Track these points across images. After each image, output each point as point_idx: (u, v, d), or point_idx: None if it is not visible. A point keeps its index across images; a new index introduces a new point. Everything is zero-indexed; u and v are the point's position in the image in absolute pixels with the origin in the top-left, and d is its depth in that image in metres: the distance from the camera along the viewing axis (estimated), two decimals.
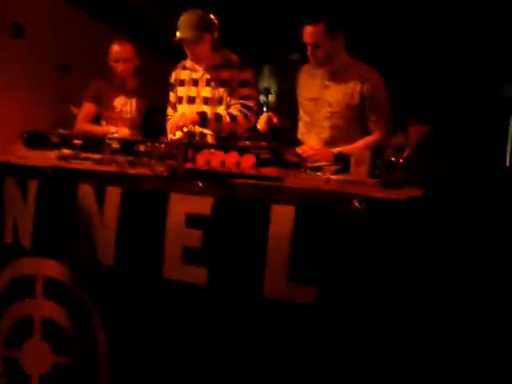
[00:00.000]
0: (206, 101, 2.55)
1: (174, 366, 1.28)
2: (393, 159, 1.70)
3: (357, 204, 1.05)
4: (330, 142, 2.28)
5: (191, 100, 2.58)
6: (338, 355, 1.09)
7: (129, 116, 2.93)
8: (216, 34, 2.50)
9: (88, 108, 2.98)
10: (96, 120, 3.00)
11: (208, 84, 2.55)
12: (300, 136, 2.43)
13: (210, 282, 1.21)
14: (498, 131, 6.25)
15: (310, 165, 2.13)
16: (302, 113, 2.43)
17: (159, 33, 4.66)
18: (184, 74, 2.62)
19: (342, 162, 2.16)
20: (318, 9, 2.28)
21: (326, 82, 2.34)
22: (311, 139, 2.34)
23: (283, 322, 1.14)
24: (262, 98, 7.90)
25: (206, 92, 2.55)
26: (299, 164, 1.94)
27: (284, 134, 2.26)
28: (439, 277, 1.04)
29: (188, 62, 2.60)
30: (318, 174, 1.98)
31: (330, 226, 1.08)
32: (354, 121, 2.30)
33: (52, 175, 1.53)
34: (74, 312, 1.44)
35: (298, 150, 2.20)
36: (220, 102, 2.53)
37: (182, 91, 2.62)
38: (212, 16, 2.49)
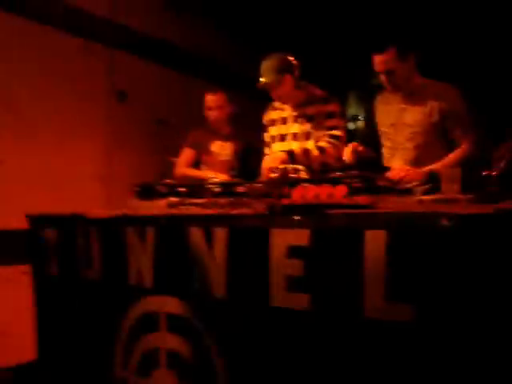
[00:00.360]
0: (295, 137, 2.70)
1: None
2: (486, 173, 1.70)
3: (445, 222, 1.11)
4: (416, 162, 2.29)
5: (282, 138, 2.75)
6: (438, 369, 1.13)
7: (226, 159, 3.16)
8: (296, 74, 2.68)
9: (187, 153, 3.28)
10: (195, 164, 3.27)
11: (296, 121, 2.72)
12: (385, 162, 2.46)
13: (313, 307, 1.31)
14: None
15: (401, 187, 2.16)
16: (384, 140, 2.49)
17: (249, 79, 4.98)
18: (274, 114, 2.82)
19: (434, 181, 2.18)
20: (386, 36, 2.32)
21: (403, 105, 2.39)
22: (397, 163, 2.36)
23: (384, 341, 1.20)
24: (351, 125, 7.95)
25: (295, 128, 2.72)
26: (391, 189, 1.99)
27: (371, 161, 2.31)
28: None
29: (276, 103, 2.79)
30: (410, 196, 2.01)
31: (421, 245, 1.14)
32: (436, 138, 2.32)
33: (166, 222, 1.73)
34: (194, 342, 1.60)
35: (388, 174, 2.23)
36: (308, 136, 2.67)
37: (273, 130, 2.81)
38: (290, 57, 2.67)
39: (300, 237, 1.33)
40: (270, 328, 1.41)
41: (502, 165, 1.82)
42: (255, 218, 1.51)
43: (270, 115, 2.85)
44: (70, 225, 2.07)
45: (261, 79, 2.62)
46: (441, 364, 1.13)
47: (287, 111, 2.76)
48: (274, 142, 2.80)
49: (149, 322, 1.72)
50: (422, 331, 1.15)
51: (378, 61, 2.30)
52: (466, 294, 1.10)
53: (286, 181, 1.85)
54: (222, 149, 3.22)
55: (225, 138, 3.20)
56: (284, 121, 2.78)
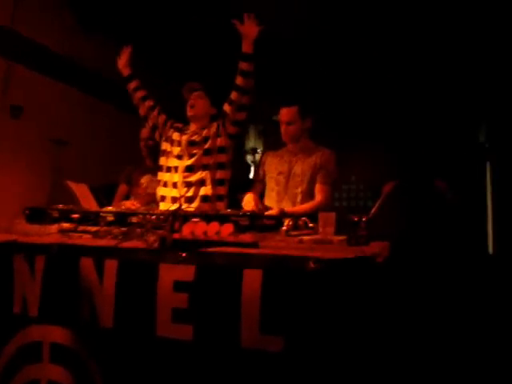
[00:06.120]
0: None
1: None
2: (356, 218, 1.94)
3: (312, 265, 1.28)
4: (300, 203, 2.82)
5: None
6: None
7: (153, 191, 3.25)
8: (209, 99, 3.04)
9: (121, 189, 3.53)
10: (126, 197, 3.48)
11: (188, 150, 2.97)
12: (273, 203, 2.88)
13: (196, 337, 1.41)
14: (477, 177, 6.57)
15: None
16: (273, 185, 2.94)
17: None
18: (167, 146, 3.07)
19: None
20: (294, 94, 2.86)
21: (293, 158, 2.91)
22: (285, 204, 2.82)
23: (257, 369, 1.33)
24: (250, 158, 8.23)
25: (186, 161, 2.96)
26: (275, 227, 2.16)
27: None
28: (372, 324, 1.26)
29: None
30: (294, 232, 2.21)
31: (292, 284, 1.30)
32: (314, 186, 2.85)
33: (56, 251, 1.73)
34: (78, 372, 1.61)
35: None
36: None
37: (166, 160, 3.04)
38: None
39: (186, 272, 1.43)
40: (156, 357, 1.48)
41: (372, 211, 2.09)
42: (146, 252, 1.59)
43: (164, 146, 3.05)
44: None
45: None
46: None
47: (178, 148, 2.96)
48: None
49: (32, 353, 1.70)
50: (291, 360, 1.30)
51: (284, 112, 2.84)
52: (330, 328, 1.27)
53: (178, 215, 1.93)
54: (150, 182, 3.38)
55: (154, 172, 3.32)
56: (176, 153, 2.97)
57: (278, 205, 2.82)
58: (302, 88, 5.21)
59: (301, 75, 5.57)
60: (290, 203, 2.81)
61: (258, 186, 3.04)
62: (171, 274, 1.46)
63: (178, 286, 1.44)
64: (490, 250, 6.46)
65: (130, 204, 3.15)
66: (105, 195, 3.31)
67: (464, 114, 6.08)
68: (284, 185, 2.89)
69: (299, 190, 2.83)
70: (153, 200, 3.19)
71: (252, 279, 1.32)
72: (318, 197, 2.81)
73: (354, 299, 1.26)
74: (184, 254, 1.46)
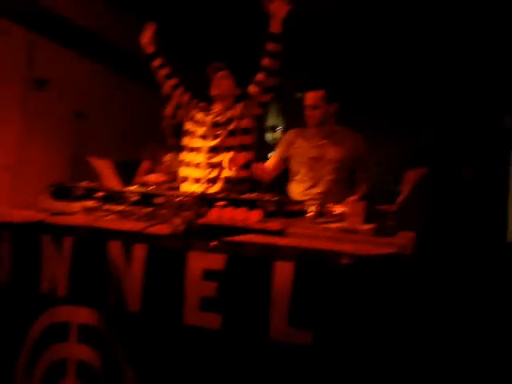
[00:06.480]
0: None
1: None
2: (385, 208, 1.90)
3: (346, 260, 1.26)
4: (335, 193, 2.71)
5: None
6: None
7: (176, 169, 3.25)
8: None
9: (145, 165, 3.57)
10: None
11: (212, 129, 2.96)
12: (302, 189, 2.84)
13: (223, 327, 1.41)
14: (499, 164, 6.44)
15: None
16: (304, 170, 2.85)
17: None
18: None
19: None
20: (321, 80, 2.87)
21: (323, 141, 2.80)
22: (318, 190, 2.79)
23: (285, 361, 1.33)
24: (269, 136, 8.16)
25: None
26: (302, 213, 2.14)
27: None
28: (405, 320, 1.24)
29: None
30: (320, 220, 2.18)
31: (323, 279, 1.28)
32: (348, 175, 2.81)
33: (85, 233, 1.73)
34: (104, 353, 1.63)
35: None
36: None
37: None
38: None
39: (216, 261, 1.43)
40: (182, 344, 1.49)
41: (399, 200, 2.04)
42: (174, 238, 1.58)
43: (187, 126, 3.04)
44: None
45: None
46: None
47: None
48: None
49: (59, 332, 1.71)
50: (319, 354, 1.29)
51: (310, 96, 2.75)
52: (360, 324, 1.26)
53: (204, 199, 1.90)
54: (173, 160, 3.41)
55: (177, 150, 3.32)
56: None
57: (310, 191, 2.78)
58: (325, 67, 5.10)
59: (324, 53, 5.47)
60: (323, 190, 2.77)
61: (279, 163, 2.95)
62: (201, 262, 1.45)
63: (208, 274, 1.44)
64: (510, 237, 6.38)
65: (157, 176, 3.18)
66: (124, 171, 3.32)
67: (489, 100, 5.94)
68: (317, 171, 2.81)
69: (332, 177, 2.77)
70: (175, 178, 3.19)
71: (283, 272, 1.31)
72: (364, 186, 2.78)
73: (385, 295, 1.24)
74: (214, 243, 1.45)
